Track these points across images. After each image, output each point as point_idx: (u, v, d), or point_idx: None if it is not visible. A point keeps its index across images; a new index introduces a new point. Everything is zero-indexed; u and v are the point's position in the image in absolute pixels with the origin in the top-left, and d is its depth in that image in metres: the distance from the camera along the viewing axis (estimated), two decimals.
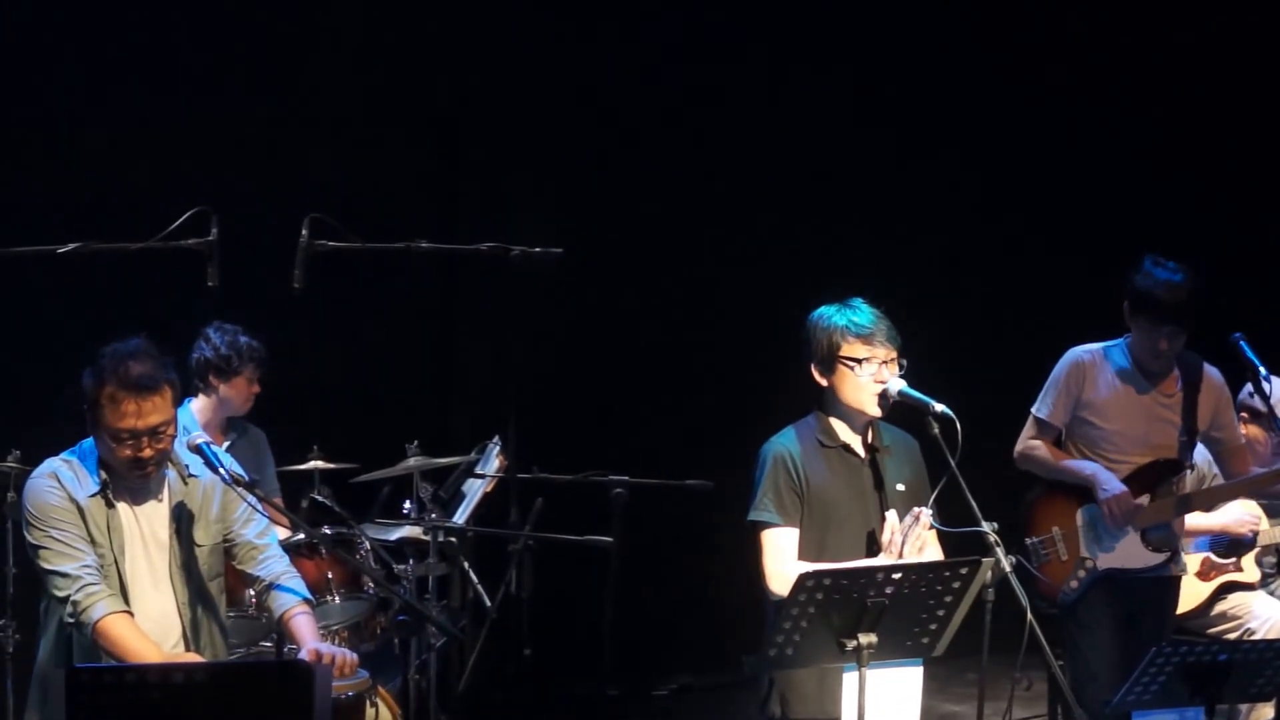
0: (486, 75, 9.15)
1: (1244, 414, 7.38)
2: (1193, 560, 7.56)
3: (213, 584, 5.30)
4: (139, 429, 5.05)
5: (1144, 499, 6.45)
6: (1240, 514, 7.38)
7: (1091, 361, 6.52)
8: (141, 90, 8.37)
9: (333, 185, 8.52)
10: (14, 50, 8.15)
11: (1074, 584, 6.41)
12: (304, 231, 5.53)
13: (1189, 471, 6.59)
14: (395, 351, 9.09)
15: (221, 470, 5.18)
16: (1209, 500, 6.89)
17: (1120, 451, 6.47)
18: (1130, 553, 6.46)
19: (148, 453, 5.09)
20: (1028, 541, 6.52)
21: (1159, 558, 6.48)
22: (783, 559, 5.47)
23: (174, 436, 5.16)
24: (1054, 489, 6.57)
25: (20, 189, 8.09)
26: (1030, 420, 6.58)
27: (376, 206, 8.48)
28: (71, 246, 5.39)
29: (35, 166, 8.20)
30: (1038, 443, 6.56)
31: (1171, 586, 6.63)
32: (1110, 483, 6.37)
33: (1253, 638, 7.24)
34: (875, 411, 5.52)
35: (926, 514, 5.39)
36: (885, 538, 5.42)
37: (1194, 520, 7.43)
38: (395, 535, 7.48)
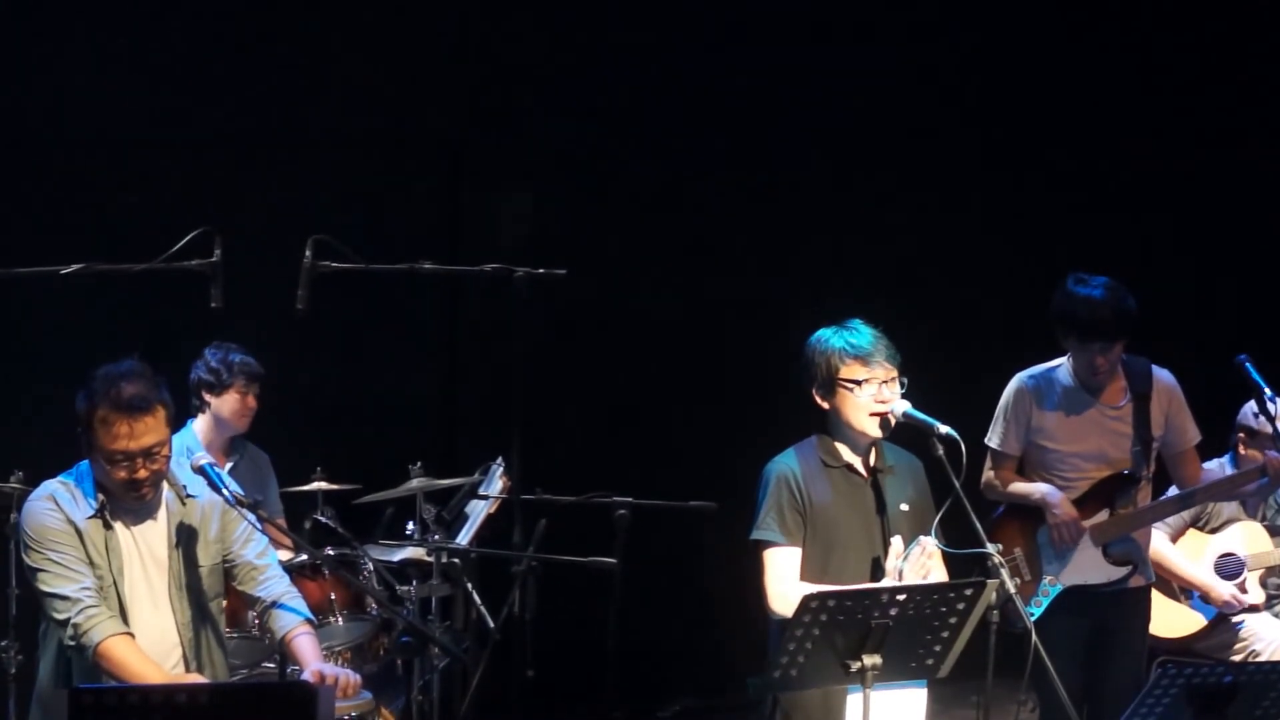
0: (489, 95, 9.15)
1: (1242, 434, 7.38)
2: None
3: (213, 604, 5.28)
4: (132, 450, 5.04)
5: (1103, 514, 6.42)
6: (1224, 587, 7.39)
7: (1035, 386, 6.49)
8: (144, 110, 8.38)
9: (336, 206, 8.53)
10: (15, 69, 8.16)
11: (1037, 602, 6.39)
12: (308, 253, 5.53)
13: (1147, 482, 6.54)
14: (398, 373, 9.08)
15: (224, 491, 5.17)
16: (1170, 510, 6.85)
17: (1078, 471, 6.44)
18: (1092, 568, 6.42)
19: (143, 474, 5.08)
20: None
21: (1121, 571, 6.44)
22: (785, 578, 5.46)
23: (169, 457, 5.14)
24: (1013, 510, 6.55)
25: (22, 209, 8.10)
26: (988, 453, 6.56)
27: (380, 227, 8.48)
28: (75, 268, 5.39)
29: (38, 186, 8.21)
30: (995, 473, 6.56)
31: (1139, 598, 6.57)
32: (1059, 506, 6.36)
33: (1258, 659, 7.24)
34: (877, 433, 5.52)
35: (932, 543, 5.38)
36: (890, 563, 5.41)
37: (1181, 569, 7.44)
38: (398, 556, 7.47)
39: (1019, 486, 6.49)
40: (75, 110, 8.26)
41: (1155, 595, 6.75)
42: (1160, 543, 7.24)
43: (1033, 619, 6.19)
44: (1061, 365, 6.50)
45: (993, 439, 6.53)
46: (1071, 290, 6.33)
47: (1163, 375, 6.52)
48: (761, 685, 5.09)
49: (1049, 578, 6.41)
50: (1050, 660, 5.35)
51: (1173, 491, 6.76)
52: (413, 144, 9.13)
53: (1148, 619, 6.64)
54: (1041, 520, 6.43)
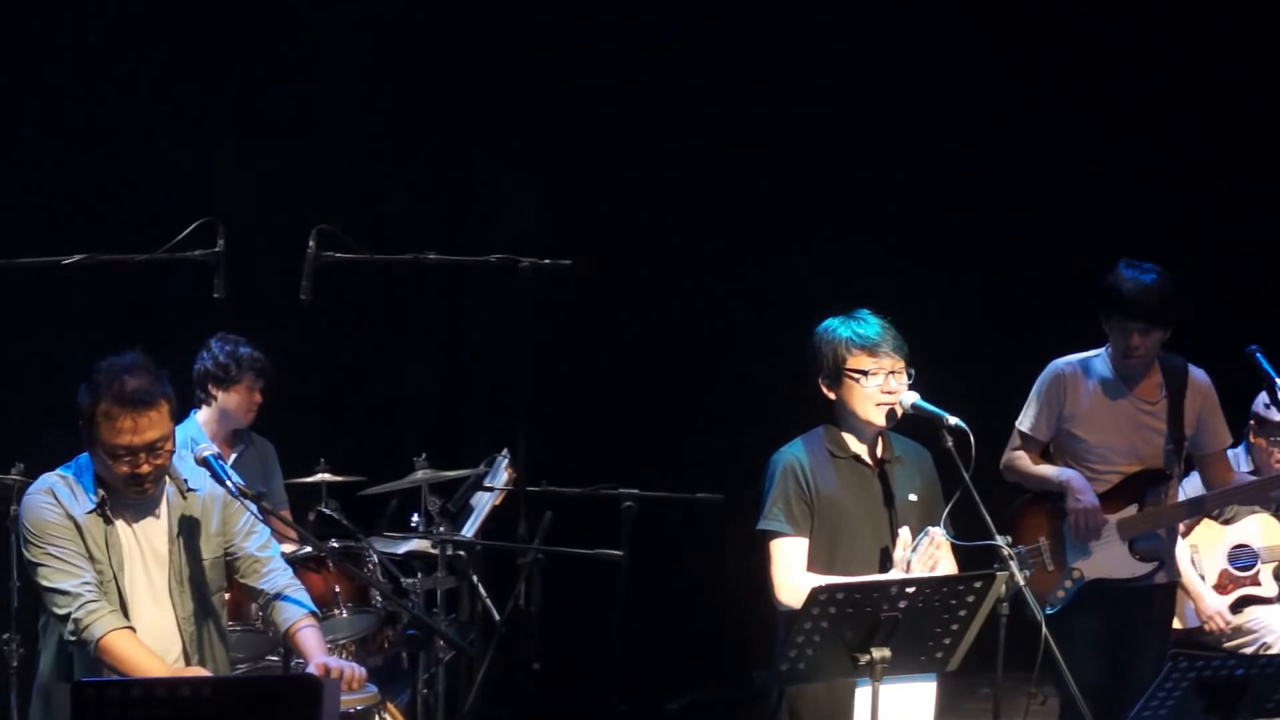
0: (494, 87, 9.13)
1: (1253, 422, 7.36)
2: (1210, 573, 7.53)
3: (215, 598, 5.25)
4: (136, 445, 4.99)
5: (1131, 509, 6.39)
6: (1213, 601, 7.35)
7: (1072, 373, 6.47)
8: (148, 100, 8.36)
9: (340, 196, 8.49)
10: (17, 57, 8.13)
11: (1060, 594, 6.35)
12: (312, 243, 5.50)
13: (1176, 479, 6.51)
14: (403, 364, 9.07)
15: (228, 483, 5.14)
16: (1185, 512, 6.80)
17: (1107, 463, 6.41)
18: (1117, 562, 6.38)
19: (145, 469, 5.03)
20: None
21: (1146, 567, 6.40)
22: (791, 569, 5.43)
23: (172, 452, 5.10)
24: (1039, 497, 6.51)
25: (24, 199, 8.07)
26: (1015, 433, 6.54)
27: (384, 218, 8.45)
28: (76, 258, 5.35)
29: (40, 176, 8.18)
30: (1020, 453, 6.52)
31: (1164, 595, 6.53)
32: (1083, 492, 6.32)
33: (1269, 652, 7.21)
34: (883, 424, 5.48)
35: (939, 533, 5.35)
36: (897, 554, 5.38)
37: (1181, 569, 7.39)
38: (403, 548, 7.45)
39: (1043, 469, 6.45)
40: (77, 100, 8.24)
41: None
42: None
43: (1055, 610, 6.19)
44: (1100, 355, 6.47)
45: (1024, 422, 6.50)
46: (1121, 270, 6.32)
47: (1198, 375, 6.50)
48: (768, 678, 5.05)
49: (1075, 570, 6.37)
50: (1074, 655, 5.33)
51: (1194, 485, 6.72)
52: (417, 134, 9.10)
53: (1171, 615, 6.63)
54: None
